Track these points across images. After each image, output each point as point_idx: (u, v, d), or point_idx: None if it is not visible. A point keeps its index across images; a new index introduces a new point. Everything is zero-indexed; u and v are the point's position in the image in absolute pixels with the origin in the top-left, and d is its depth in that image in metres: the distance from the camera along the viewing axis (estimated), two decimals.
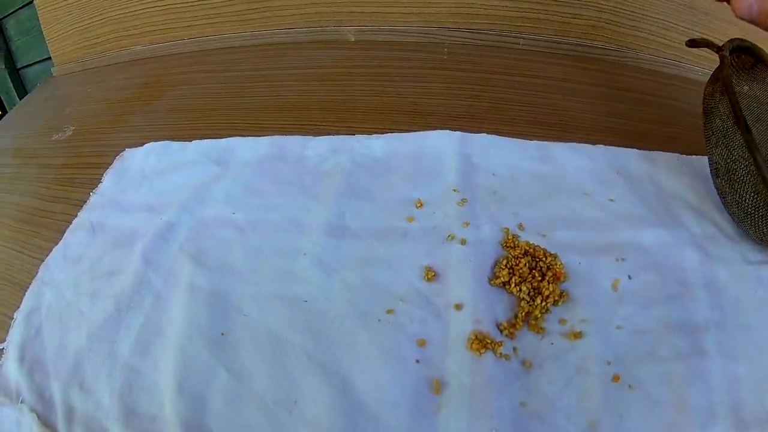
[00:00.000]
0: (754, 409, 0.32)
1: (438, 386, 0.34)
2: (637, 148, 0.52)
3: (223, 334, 0.38)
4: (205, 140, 0.57)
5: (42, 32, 0.86)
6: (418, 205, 0.46)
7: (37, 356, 0.40)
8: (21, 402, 0.37)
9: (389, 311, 0.38)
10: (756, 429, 0.32)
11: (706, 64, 0.66)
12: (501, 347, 0.35)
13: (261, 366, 0.36)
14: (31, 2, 0.86)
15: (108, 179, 0.55)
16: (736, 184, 0.40)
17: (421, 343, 0.36)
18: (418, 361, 0.36)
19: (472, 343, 0.35)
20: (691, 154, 0.51)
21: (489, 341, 0.35)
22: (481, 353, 0.35)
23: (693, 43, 0.44)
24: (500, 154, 0.51)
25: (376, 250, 0.43)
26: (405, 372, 0.35)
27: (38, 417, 0.36)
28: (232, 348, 0.37)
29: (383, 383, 0.35)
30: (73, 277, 0.45)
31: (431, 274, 0.40)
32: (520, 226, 0.43)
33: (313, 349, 0.37)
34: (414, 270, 0.41)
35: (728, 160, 0.40)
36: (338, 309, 0.39)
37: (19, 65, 1.03)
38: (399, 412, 0.33)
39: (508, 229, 0.43)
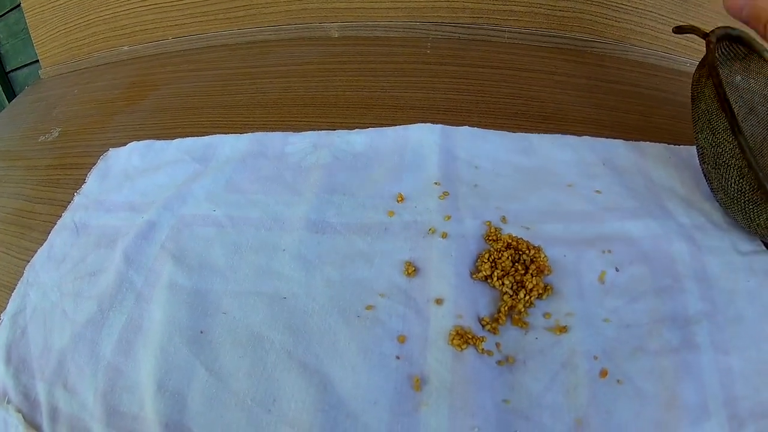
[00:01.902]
0: (749, 402, 0.32)
1: (418, 383, 0.34)
2: (624, 140, 0.52)
3: (201, 332, 0.38)
4: (187, 138, 0.57)
5: (30, 35, 0.86)
6: (399, 199, 0.45)
7: (23, 357, 0.40)
8: (7, 402, 0.38)
9: (369, 307, 0.38)
10: (751, 423, 0.31)
11: (695, 54, 0.66)
12: (483, 343, 0.35)
13: (240, 364, 0.36)
14: (19, 5, 0.86)
15: (92, 179, 0.55)
16: (722, 168, 0.40)
17: (402, 340, 0.36)
18: (398, 358, 0.35)
19: (453, 338, 0.35)
20: (679, 144, 0.50)
21: (471, 336, 0.35)
22: (462, 349, 0.34)
23: (680, 29, 0.44)
24: (482, 147, 0.50)
25: (357, 245, 0.42)
26: (385, 369, 0.35)
27: (24, 417, 0.37)
28: (212, 346, 0.37)
29: (363, 380, 0.34)
30: (58, 278, 0.45)
31: (412, 269, 0.40)
32: (503, 219, 0.43)
33: (292, 346, 0.36)
34: (394, 265, 0.40)
35: (713, 144, 0.40)
36: (318, 305, 0.39)
37: (8, 68, 1.03)
38: (379, 409, 0.33)
39: (490, 222, 0.42)
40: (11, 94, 1.04)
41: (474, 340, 0.35)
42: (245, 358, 0.36)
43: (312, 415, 0.33)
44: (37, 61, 0.88)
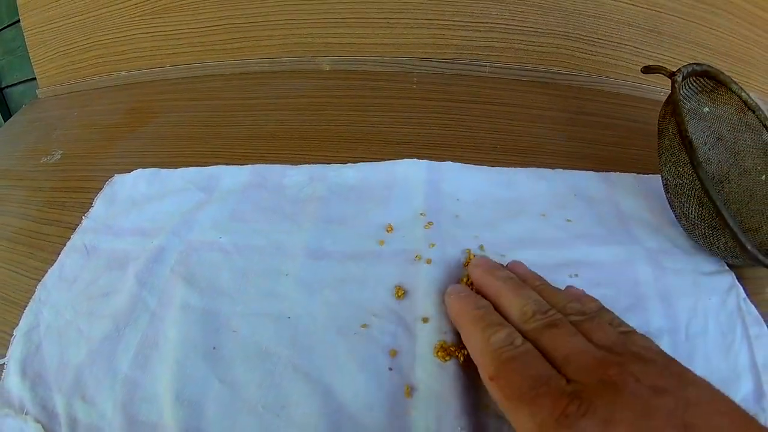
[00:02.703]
0: None
1: (408, 391, 0.38)
2: (597, 170, 0.56)
3: (214, 348, 0.42)
4: (191, 168, 0.60)
5: (27, 52, 0.87)
6: (389, 229, 0.50)
7: (39, 371, 0.42)
8: (25, 413, 0.40)
9: (364, 326, 0.42)
10: None
11: (667, 83, 0.71)
12: (464, 355, 0.39)
13: (251, 376, 0.40)
14: (17, 22, 0.87)
15: (99, 204, 0.57)
16: (683, 197, 0.44)
17: (393, 354, 0.40)
18: (390, 369, 0.39)
19: (438, 351, 0.39)
20: (650, 173, 0.55)
21: (453, 350, 0.39)
22: (446, 361, 0.39)
23: (648, 69, 0.47)
24: (464, 181, 0.55)
25: (352, 271, 0.46)
26: (379, 379, 0.39)
27: (43, 428, 0.39)
28: (224, 361, 0.41)
29: (360, 389, 0.39)
30: (70, 298, 0.47)
31: (401, 292, 0.44)
32: (481, 247, 0.47)
33: (297, 360, 0.40)
34: (386, 288, 0.45)
35: (675, 176, 0.44)
36: (319, 324, 0.43)
37: (3, 84, 1.03)
38: (375, 414, 0.37)
39: (469, 250, 0.47)
40: (5, 110, 1.04)
41: (456, 353, 0.39)
42: (255, 371, 0.40)
43: (317, 418, 0.37)
44: (34, 78, 0.89)
